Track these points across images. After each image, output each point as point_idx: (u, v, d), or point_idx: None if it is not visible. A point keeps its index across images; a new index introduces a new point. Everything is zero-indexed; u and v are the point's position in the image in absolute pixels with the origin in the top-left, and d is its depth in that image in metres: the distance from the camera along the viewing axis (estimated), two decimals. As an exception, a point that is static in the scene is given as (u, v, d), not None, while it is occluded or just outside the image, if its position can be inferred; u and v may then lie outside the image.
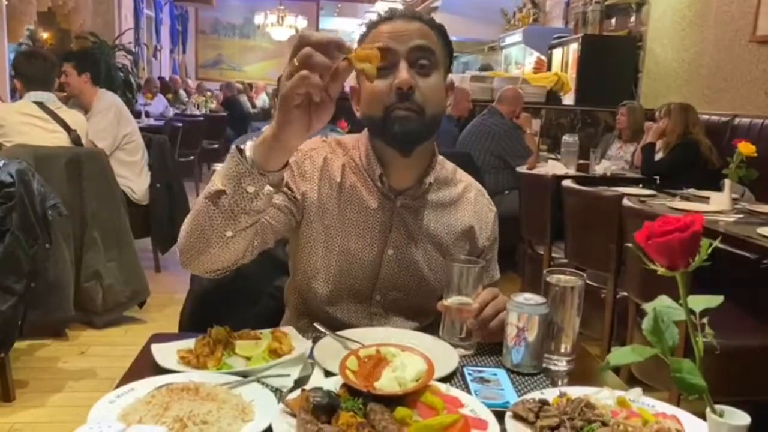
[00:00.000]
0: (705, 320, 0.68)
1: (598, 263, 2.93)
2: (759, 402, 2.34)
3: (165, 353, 1.05)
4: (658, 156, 4.27)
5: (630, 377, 2.62)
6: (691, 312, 0.68)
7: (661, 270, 0.65)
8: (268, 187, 1.06)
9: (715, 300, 0.69)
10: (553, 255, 3.39)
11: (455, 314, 1.17)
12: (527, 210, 3.64)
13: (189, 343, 1.08)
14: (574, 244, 3.10)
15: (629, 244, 0.70)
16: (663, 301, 0.70)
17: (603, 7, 6.31)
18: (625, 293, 2.73)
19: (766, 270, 2.72)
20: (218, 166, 2.88)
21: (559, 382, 1.10)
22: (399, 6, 1.43)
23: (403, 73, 1.18)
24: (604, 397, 0.94)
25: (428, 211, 1.33)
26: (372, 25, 1.27)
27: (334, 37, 0.97)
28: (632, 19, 5.94)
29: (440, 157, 1.37)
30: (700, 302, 0.69)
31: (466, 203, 1.39)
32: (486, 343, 1.19)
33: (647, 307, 0.70)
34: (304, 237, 1.30)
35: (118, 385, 0.96)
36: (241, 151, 1.05)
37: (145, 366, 1.04)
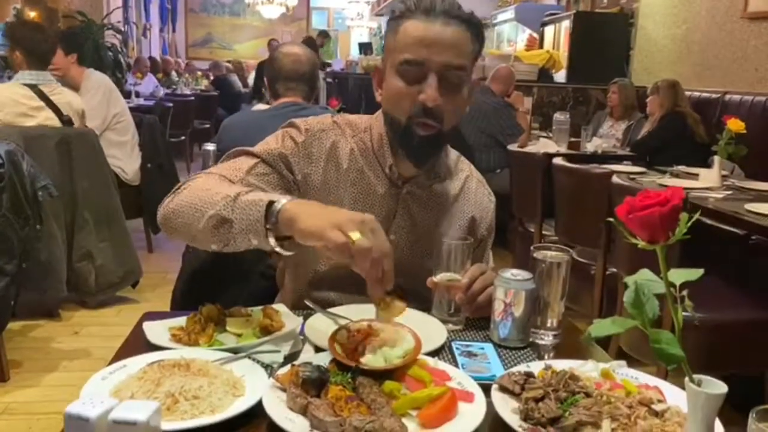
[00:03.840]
0: (685, 293, 0.69)
1: (588, 240, 2.96)
2: (749, 375, 2.40)
3: (157, 331, 1.06)
4: (645, 131, 4.29)
5: (619, 352, 2.67)
6: (671, 285, 0.69)
7: (641, 244, 0.67)
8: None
9: (694, 273, 0.71)
10: (543, 232, 3.41)
11: (444, 290, 1.18)
12: (518, 188, 3.65)
13: (180, 321, 1.10)
14: (565, 221, 3.12)
15: (610, 219, 0.70)
16: (644, 275, 0.72)
17: (595, -17, 6.28)
18: (615, 269, 2.76)
19: (754, 245, 2.76)
20: (209, 146, 2.88)
21: (546, 356, 1.12)
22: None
23: (431, 90, 1.16)
24: (588, 369, 0.96)
25: (433, 201, 1.34)
26: (405, 15, 1.20)
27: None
28: (624, -5, 5.92)
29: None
30: (680, 275, 0.70)
31: (468, 193, 1.39)
32: (474, 318, 1.20)
33: (628, 280, 0.71)
34: None
35: (111, 363, 0.98)
36: (269, 208, 1.01)
37: (137, 343, 1.05)
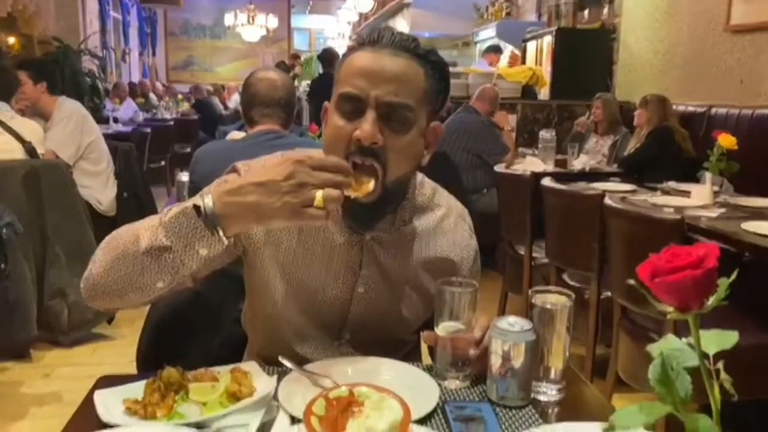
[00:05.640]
0: (720, 365, 0.58)
1: (580, 263, 2.86)
2: (741, 403, 2.30)
3: (109, 403, 0.93)
4: (632, 146, 4.24)
5: (617, 379, 2.56)
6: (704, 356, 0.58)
7: (671, 313, 0.56)
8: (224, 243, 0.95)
9: (728, 339, 0.60)
10: (534, 255, 3.31)
11: (449, 343, 1.06)
12: (506, 209, 3.55)
13: (137, 388, 0.97)
14: (555, 243, 3.03)
15: (632, 281, 0.60)
16: (670, 343, 0.61)
17: (575, -2, 6.26)
18: (609, 293, 2.66)
19: (747, 263, 2.67)
20: (183, 177, 2.75)
21: (549, 412, 1.01)
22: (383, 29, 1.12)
23: (367, 125, 1.02)
24: (600, 435, 0.85)
25: (402, 244, 1.19)
26: (352, 49, 1.09)
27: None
28: (605, 10, 5.88)
29: (419, 178, 1.22)
30: (712, 343, 0.60)
31: (445, 232, 1.23)
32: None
33: (653, 350, 0.60)
34: (257, 273, 1.17)
35: (55, 444, 0.85)
36: (198, 210, 0.94)
37: (87, 418, 0.92)
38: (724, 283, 0.53)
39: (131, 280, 0.98)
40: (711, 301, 0.55)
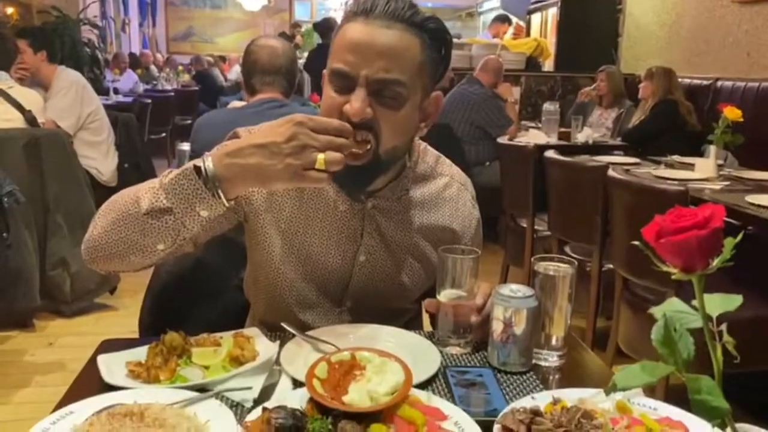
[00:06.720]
0: (723, 327, 0.58)
1: (583, 235, 2.86)
2: (746, 373, 2.31)
3: (112, 366, 0.94)
4: (636, 119, 4.21)
5: (617, 350, 2.58)
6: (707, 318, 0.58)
7: (676, 274, 0.55)
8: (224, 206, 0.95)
9: (732, 301, 0.60)
10: (536, 228, 3.30)
11: (451, 310, 1.06)
12: (509, 182, 3.54)
13: (140, 353, 0.97)
14: (558, 216, 3.02)
15: (636, 242, 0.59)
16: (673, 305, 0.61)
17: (581, -31, 6.16)
18: (611, 266, 2.66)
19: (750, 236, 2.66)
20: (184, 146, 2.74)
21: (550, 378, 1.02)
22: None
23: (356, 102, 0.99)
24: (601, 400, 0.85)
25: (403, 212, 1.18)
26: (346, 19, 1.05)
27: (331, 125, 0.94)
28: (611, -19, 5.81)
29: (422, 147, 1.21)
30: (715, 305, 0.59)
31: (447, 202, 1.22)
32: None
33: (656, 312, 0.60)
34: (259, 239, 1.16)
35: (59, 406, 0.86)
36: (198, 171, 0.93)
37: (90, 380, 0.93)
38: (729, 242, 0.53)
39: (132, 242, 0.98)
40: (716, 261, 0.54)
